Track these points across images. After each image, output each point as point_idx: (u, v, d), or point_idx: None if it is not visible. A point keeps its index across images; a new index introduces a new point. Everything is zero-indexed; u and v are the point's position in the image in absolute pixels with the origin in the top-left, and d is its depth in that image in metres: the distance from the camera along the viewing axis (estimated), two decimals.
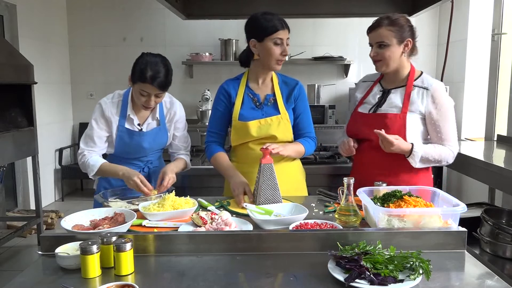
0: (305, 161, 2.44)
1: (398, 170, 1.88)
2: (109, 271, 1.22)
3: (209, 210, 1.72)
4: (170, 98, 2.13)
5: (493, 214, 2.06)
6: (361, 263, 1.13)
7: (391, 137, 1.77)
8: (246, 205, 1.69)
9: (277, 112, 2.00)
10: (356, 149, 1.99)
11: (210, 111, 3.55)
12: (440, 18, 5.12)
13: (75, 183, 5.69)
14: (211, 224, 1.50)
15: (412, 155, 1.82)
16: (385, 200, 1.51)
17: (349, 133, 2.06)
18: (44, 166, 4.72)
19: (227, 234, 1.38)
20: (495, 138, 3.42)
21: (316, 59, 5.04)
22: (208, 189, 2.61)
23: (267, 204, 1.76)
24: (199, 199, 1.86)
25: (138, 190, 1.85)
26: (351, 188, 1.52)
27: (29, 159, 3.91)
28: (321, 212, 1.74)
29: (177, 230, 1.49)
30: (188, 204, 1.72)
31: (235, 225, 1.51)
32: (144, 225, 1.58)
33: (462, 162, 2.52)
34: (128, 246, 1.20)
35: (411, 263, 1.14)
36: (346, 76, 5.31)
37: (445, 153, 1.87)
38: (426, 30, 4.99)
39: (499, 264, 1.92)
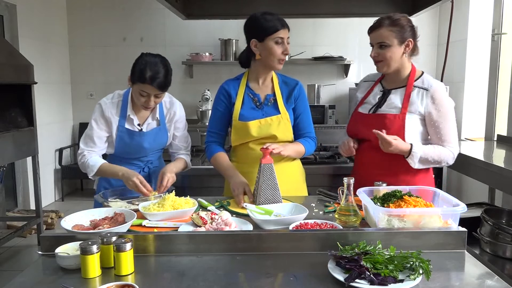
0: (305, 161, 2.44)
1: (398, 171, 1.88)
2: (109, 271, 1.22)
3: (209, 210, 1.72)
4: (170, 98, 2.13)
5: (493, 214, 2.06)
6: (361, 263, 1.13)
7: (389, 138, 1.77)
8: (246, 205, 1.69)
9: (277, 112, 2.00)
10: (356, 149, 1.99)
11: (210, 111, 3.55)
12: (440, 18, 5.12)
13: (75, 183, 5.69)
14: (211, 224, 1.50)
15: (411, 156, 1.81)
16: (385, 200, 1.51)
17: (349, 133, 2.06)
18: (44, 166, 4.72)
19: (227, 234, 1.38)
20: (495, 138, 3.42)
21: (316, 59, 5.04)
22: (208, 189, 2.61)
23: (267, 204, 1.76)
24: (199, 199, 1.86)
25: (137, 191, 1.85)
26: (351, 188, 1.52)
27: (29, 159, 3.91)
28: (321, 212, 1.74)
29: (177, 230, 1.49)
30: (188, 204, 1.72)
31: (235, 225, 1.51)
32: (144, 225, 1.58)
33: (462, 162, 2.51)
34: (128, 246, 1.20)
35: (411, 263, 1.14)
36: (346, 76, 5.31)
37: (445, 154, 1.86)
38: (426, 30, 4.99)
39: (499, 264, 1.92)
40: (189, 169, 2.19)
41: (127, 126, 2.02)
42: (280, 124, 2.00)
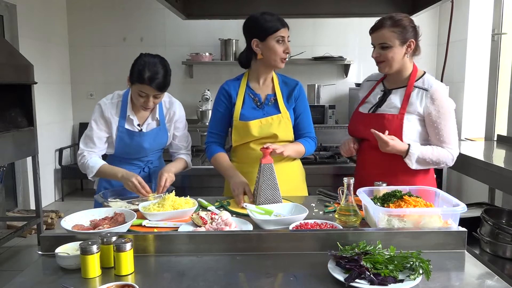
0: (305, 161, 2.44)
1: (398, 171, 1.87)
2: (109, 271, 1.22)
3: (209, 210, 1.72)
4: (170, 98, 2.13)
5: (493, 214, 2.06)
6: (361, 263, 1.13)
7: (386, 137, 1.77)
8: (246, 205, 1.69)
9: (278, 111, 2.01)
10: (358, 149, 1.99)
11: (210, 111, 3.54)
12: (440, 18, 5.12)
13: (75, 183, 5.69)
14: (211, 224, 1.50)
15: (408, 156, 1.80)
16: (385, 200, 1.51)
17: (350, 132, 2.07)
18: (44, 166, 4.72)
19: (227, 234, 1.38)
20: (495, 138, 3.42)
21: (316, 59, 5.04)
22: (208, 189, 2.61)
23: (267, 204, 1.76)
24: (199, 199, 1.86)
25: (136, 192, 1.85)
26: (351, 188, 1.52)
27: (29, 159, 3.91)
28: (321, 212, 1.74)
29: (177, 230, 1.49)
30: (188, 204, 1.72)
31: (235, 225, 1.51)
32: (144, 225, 1.58)
33: (462, 162, 2.51)
34: (128, 246, 1.20)
35: (411, 263, 1.14)
36: (346, 76, 5.31)
37: (444, 156, 1.84)
38: (426, 30, 4.99)
39: (499, 264, 1.92)
40: (189, 169, 2.19)
41: (127, 126, 2.02)
42: (281, 124, 2.00)
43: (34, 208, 3.84)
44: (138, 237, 1.33)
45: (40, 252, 1.33)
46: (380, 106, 1.94)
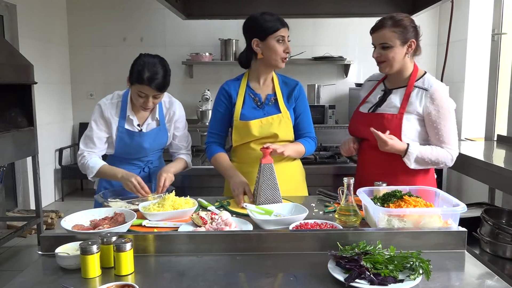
0: (305, 161, 2.44)
1: (398, 171, 1.87)
2: (109, 271, 1.22)
3: (209, 210, 1.72)
4: (169, 98, 2.13)
5: (493, 214, 2.06)
6: (361, 263, 1.13)
7: (385, 136, 1.77)
8: (246, 205, 1.69)
9: (278, 111, 2.01)
10: (358, 148, 1.99)
11: (210, 111, 3.53)
12: (440, 18, 5.12)
13: (75, 183, 5.69)
14: (211, 224, 1.50)
15: (407, 155, 1.80)
16: (385, 200, 1.51)
17: (350, 132, 2.07)
18: (44, 166, 4.72)
19: (227, 234, 1.38)
20: (495, 138, 3.42)
21: (316, 59, 5.04)
22: (208, 189, 2.61)
23: (267, 204, 1.76)
24: (199, 199, 1.86)
25: (135, 193, 1.85)
26: (351, 188, 1.52)
27: (29, 159, 3.91)
28: (321, 212, 1.74)
29: (177, 230, 1.49)
30: (188, 204, 1.72)
31: (235, 225, 1.51)
32: (144, 225, 1.58)
33: (462, 162, 2.51)
34: (128, 246, 1.20)
35: (411, 263, 1.14)
36: (346, 76, 5.30)
37: (443, 156, 1.83)
38: (426, 30, 4.99)
39: (499, 264, 1.92)
40: (189, 169, 2.19)
41: (126, 126, 2.02)
42: (281, 123, 2.00)
43: (34, 208, 3.84)
44: (138, 237, 1.33)
45: (40, 252, 1.33)
46: (380, 105, 1.94)
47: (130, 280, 1.18)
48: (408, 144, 1.80)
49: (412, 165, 1.81)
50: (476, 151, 2.98)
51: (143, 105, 1.93)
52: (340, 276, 1.12)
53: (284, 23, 1.92)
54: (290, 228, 1.48)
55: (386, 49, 1.83)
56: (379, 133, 1.76)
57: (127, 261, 1.20)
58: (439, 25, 5.16)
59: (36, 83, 3.67)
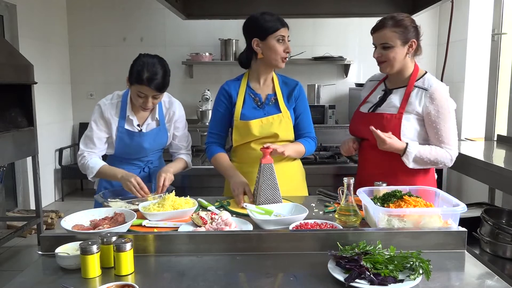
0: (305, 161, 2.44)
1: (398, 171, 1.88)
2: (109, 271, 1.22)
3: (209, 210, 1.72)
4: (169, 98, 2.13)
5: (493, 214, 2.06)
6: (361, 263, 1.13)
7: (384, 135, 1.77)
8: (246, 205, 1.68)
9: (279, 111, 2.01)
10: (358, 148, 1.99)
11: (210, 111, 3.53)
12: (440, 18, 5.12)
13: (75, 183, 5.69)
14: (211, 224, 1.50)
15: (406, 155, 1.80)
16: (385, 200, 1.51)
17: (351, 132, 2.07)
18: (44, 166, 4.72)
19: (227, 234, 1.38)
20: (495, 138, 3.42)
21: (316, 59, 5.04)
22: (208, 189, 2.61)
23: (267, 204, 1.76)
24: (199, 199, 1.86)
25: (134, 193, 1.84)
26: (351, 188, 1.52)
27: (29, 159, 3.91)
28: (321, 212, 1.74)
29: (177, 230, 1.49)
30: (188, 204, 1.72)
31: (235, 225, 1.51)
32: (144, 225, 1.58)
33: (462, 162, 2.52)
34: (128, 246, 1.20)
35: (411, 263, 1.14)
36: (346, 76, 5.31)
37: (442, 156, 1.83)
38: (426, 30, 4.95)
39: (499, 264, 1.92)
40: (189, 169, 2.19)
41: (126, 126, 2.02)
42: (282, 123, 2.00)
43: (34, 208, 3.84)
44: (138, 237, 1.33)
45: (40, 252, 1.33)
46: (380, 105, 1.94)
47: (130, 280, 1.18)
48: (407, 144, 1.80)
49: (410, 164, 1.81)
50: (476, 151, 2.98)
51: (143, 105, 1.93)
52: (340, 276, 1.12)
53: (284, 23, 1.93)
54: (290, 228, 1.48)
55: (387, 49, 1.83)
56: (378, 131, 1.77)
57: (127, 261, 1.20)
58: (439, 25, 5.16)
59: (36, 83, 3.67)
